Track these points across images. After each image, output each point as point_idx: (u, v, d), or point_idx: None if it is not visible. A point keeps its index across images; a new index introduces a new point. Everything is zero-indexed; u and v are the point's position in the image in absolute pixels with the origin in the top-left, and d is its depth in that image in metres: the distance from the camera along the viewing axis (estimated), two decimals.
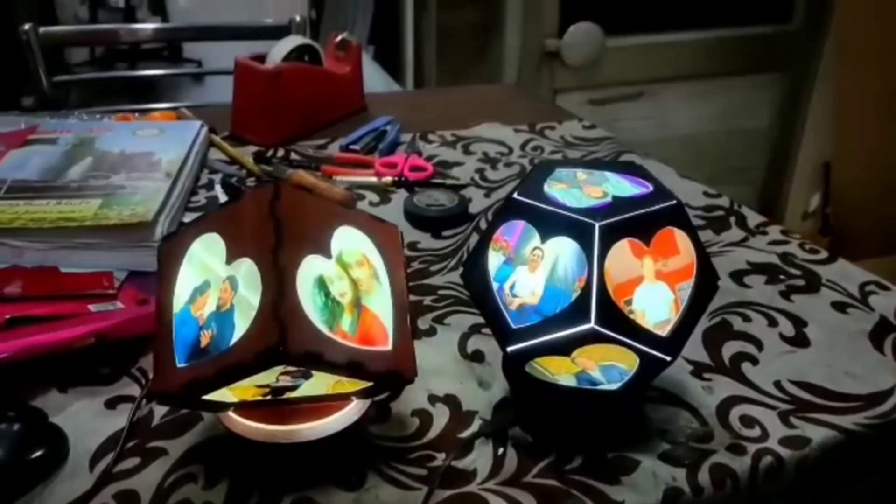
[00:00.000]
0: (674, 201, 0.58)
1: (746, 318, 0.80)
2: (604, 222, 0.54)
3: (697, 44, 2.49)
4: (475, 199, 1.03)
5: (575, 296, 0.54)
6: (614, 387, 0.59)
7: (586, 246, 0.54)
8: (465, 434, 0.64)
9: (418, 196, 1.00)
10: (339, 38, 1.36)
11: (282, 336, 0.47)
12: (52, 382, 0.68)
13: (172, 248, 0.56)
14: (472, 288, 0.60)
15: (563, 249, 0.55)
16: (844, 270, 0.89)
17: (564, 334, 0.54)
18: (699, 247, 0.59)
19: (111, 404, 0.67)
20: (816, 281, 0.87)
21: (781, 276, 0.88)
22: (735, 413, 0.68)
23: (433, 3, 2.27)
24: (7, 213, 0.83)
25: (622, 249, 0.55)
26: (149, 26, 1.97)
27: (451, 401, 0.68)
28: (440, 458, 0.61)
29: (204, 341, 0.51)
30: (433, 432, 0.65)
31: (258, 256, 0.51)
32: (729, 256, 0.92)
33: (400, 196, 1.04)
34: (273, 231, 0.51)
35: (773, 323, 0.80)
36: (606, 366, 0.57)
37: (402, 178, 1.06)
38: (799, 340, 0.77)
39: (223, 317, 0.51)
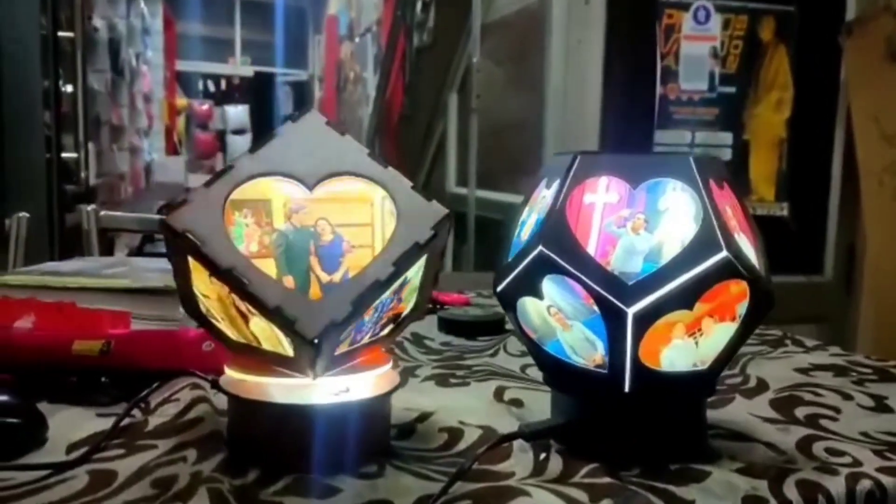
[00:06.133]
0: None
1: (817, 394, 0.71)
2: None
3: None
4: None
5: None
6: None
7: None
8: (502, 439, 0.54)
9: (453, 309, 0.96)
10: None
11: None
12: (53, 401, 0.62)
13: None
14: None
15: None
16: None
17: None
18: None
19: (104, 416, 0.59)
20: (890, 375, 0.79)
21: (852, 373, 0.79)
22: (819, 446, 0.58)
23: None
24: (31, 278, 0.82)
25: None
26: None
27: (485, 428, 0.59)
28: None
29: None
30: (463, 444, 0.56)
31: None
32: (790, 359, 0.84)
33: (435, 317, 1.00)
34: None
35: (847, 397, 0.71)
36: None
37: (438, 305, 1.03)
38: (880, 409, 0.68)
39: None
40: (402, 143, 3.78)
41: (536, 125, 2.24)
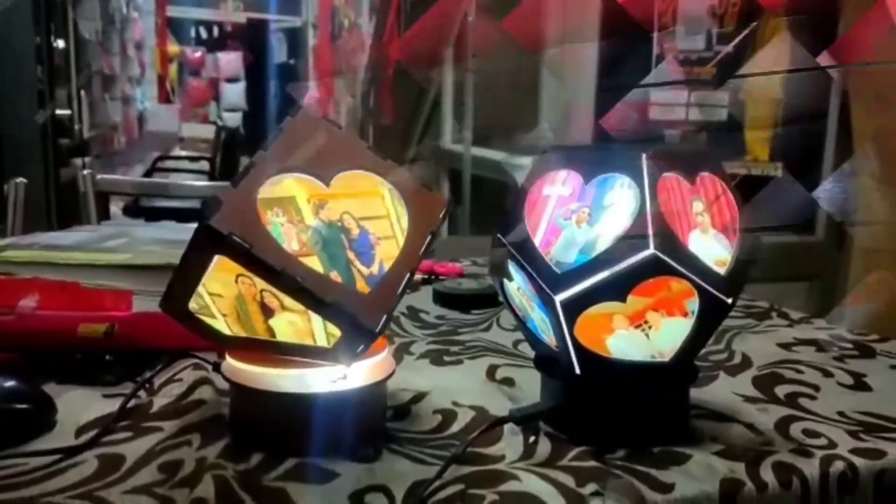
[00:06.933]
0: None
1: (799, 371, 0.74)
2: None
3: None
4: None
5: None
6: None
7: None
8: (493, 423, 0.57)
9: (447, 282, 0.98)
10: None
11: None
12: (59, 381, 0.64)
13: None
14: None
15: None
16: None
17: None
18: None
19: (110, 396, 0.62)
20: (871, 351, 0.81)
21: (833, 348, 0.82)
22: (796, 427, 0.60)
23: None
24: (34, 253, 0.83)
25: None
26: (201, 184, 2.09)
27: (478, 409, 0.61)
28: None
29: None
30: (456, 426, 0.58)
31: None
32: (774, 333, 0.87)
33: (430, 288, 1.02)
34: None
35: (828, 374, 0.73)
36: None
37: (433, 276, 1.05)
38: (858, 386, 0.71)
39: None
40: (398, 97, 3.76)
41: (532, 84, 2.23)
